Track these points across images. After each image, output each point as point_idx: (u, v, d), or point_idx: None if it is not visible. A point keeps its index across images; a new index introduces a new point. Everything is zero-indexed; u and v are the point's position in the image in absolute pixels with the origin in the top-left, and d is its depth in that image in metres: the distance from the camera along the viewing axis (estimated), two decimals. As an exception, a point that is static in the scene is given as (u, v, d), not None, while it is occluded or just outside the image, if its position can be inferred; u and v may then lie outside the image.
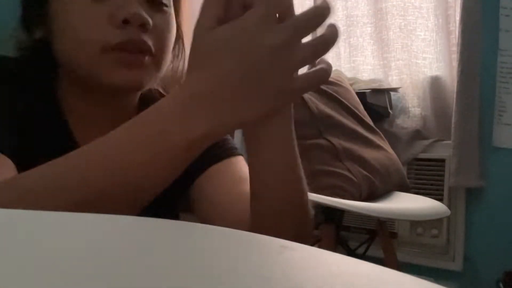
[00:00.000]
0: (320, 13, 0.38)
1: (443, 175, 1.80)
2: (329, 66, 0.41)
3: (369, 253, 1.73)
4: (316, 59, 0.40)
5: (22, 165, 0.48)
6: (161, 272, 0.19)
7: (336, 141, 1.47)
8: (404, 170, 1.67)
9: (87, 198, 0.38)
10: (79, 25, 0.52)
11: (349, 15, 2.04)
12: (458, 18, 1.76)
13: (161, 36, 0.55)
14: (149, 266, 0.20)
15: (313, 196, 1.23)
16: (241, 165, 0.62)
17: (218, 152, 0.61)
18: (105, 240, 0.23)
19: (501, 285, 1.56)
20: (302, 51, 0.38)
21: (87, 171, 0.39)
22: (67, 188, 0.39)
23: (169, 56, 0.58)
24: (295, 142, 0.47)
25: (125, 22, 0.51)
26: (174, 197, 0.63)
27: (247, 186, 0.50)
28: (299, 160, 0.48)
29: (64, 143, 0.57)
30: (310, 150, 1.44)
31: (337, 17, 2.07)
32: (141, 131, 0.40)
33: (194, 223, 0.27)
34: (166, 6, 0.56)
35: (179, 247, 0.23)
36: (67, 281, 0.17)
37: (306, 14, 0.38)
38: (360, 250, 1.74)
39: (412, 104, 1.92)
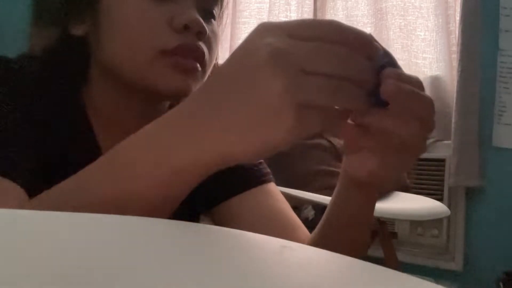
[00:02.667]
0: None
1: (443, 175, 1.80)
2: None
3: (369, 253, 1.72)
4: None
5: (42, 169, 0.48)
6: (161, 271, 0.19)
7: (336, 141, 1.47)
8: (404, 170, 1.67)
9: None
10: (138, 25, 0.50)
11: (349, 15, 2.04)
12: (458, 18, 1.76)
13: (211, 46, 0.54)
14: (148, 266, 0.20)
15: (313, 196, 1.23)
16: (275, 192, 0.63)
17: (247, 179, 0.61)
18: (106, 240, 0.23)
19: (501, 285, 1.56)
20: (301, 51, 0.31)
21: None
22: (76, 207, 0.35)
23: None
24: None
25: (185, 27, 0.50)
26: (195, 212, 0.64)
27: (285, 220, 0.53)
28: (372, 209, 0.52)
29: (87, 147, 0.55)
30: (310, 150, 1.44)
31: (337, 17, 2.07)
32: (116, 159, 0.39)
33: (193, 223, 0.27)
34: (214, 19, 0.56)
35: (179, 246, 0.23)
36: (68, 281, 0.17)
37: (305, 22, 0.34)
38: (360, 250, 1.74)
39: (412, 104, 1.92)
